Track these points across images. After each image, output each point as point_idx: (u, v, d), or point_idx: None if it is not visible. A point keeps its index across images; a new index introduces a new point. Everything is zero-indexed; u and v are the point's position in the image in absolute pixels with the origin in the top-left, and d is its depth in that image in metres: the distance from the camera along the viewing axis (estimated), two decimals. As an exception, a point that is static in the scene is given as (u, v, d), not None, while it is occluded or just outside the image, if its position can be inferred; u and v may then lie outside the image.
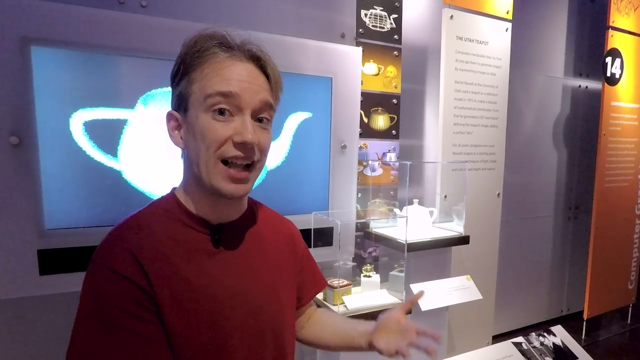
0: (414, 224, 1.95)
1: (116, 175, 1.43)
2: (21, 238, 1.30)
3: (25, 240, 1.30)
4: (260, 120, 0.76)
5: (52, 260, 1.35)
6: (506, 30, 2.39)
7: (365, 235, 2.07)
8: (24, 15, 1.25)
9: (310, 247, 1.73)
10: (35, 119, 1.29)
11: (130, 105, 1.44)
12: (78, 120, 1.36)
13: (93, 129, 1.38)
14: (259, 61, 0.77)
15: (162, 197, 0.82)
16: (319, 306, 1.20)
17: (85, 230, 1.38)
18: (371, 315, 1.58)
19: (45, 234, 1.33)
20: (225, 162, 0.72)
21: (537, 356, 1.50)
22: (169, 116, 0.77)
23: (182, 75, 0.74)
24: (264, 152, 0.77)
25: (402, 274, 1.75)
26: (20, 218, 1.29)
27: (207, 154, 0.72)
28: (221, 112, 0.71)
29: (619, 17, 2.84)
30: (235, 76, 0.72)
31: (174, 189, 0.83)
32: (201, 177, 0.73)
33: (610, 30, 2.81)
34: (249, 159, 0.74)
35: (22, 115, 1.27)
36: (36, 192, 1.30)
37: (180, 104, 0.75)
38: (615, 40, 2.84)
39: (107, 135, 1.41)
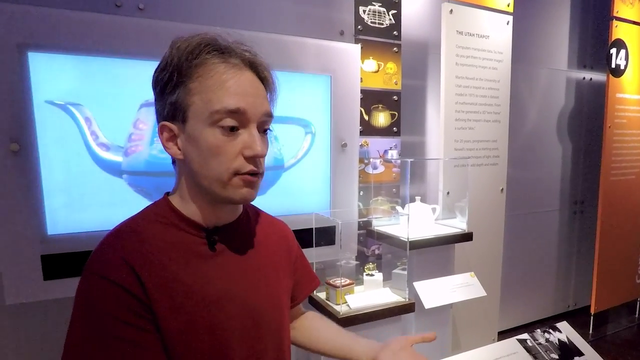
0: (416, 222, 1.94)
1: (117, 178, 1.44)
2: (24, 244, 1.31)
3: (29, 246, 1.32)
4: (263, 130, 0.77)
5: (56, 266, 1.36)
6: (507, 24, 2.36)
7: (367, 234, 2.07)
8: (19, 22, 1.25)
9: (312, 246, 1.73)
10: (35, 125, 1.30)
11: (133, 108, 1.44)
12: (78, 124, 1.37)
13: (92, 131, 1.39)
14: (255, 67, 0.77)
15: (154, 202, 0.81)
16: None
17: (87, 235, 1.39)
18: (374, 315, 1.58)
19: (48, 240, 1.34)
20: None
21: (542, 353, 1.48)
22: (162, 128, 0.75)
23: (177, 84, 0.72)
24: (264, 160, 0.79)
25: (405, 272, 1.75)
26: (22, 224, 1.30)
27: (220, 170, 0.72)
28: (231, 128, 0.72)
29: (623, 7, 2.80)
30: (240, 90, 0.72)
31: (167, 194, 0.83)
32: (212, 189, 0.74)
33: (614, 20, 2.77)
34: (259, 169, 0.75)
35: (22, 122, 1.28)
36: (37, 198, 1.31)
37: (176, 114, 0.73)
38: (619, 31, 2.80)
39: (109, 138, 1.41)
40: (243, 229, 0.86)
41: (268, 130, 0.79)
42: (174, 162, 0.81)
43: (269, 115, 0.77)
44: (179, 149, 0.75)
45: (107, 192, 1.42)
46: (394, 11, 2.10)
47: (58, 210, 1.36)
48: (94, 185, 1.40)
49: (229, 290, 0.78)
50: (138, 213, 0.79)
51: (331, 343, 0.98)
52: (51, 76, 1.32)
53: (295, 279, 0.97)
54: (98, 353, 0.66)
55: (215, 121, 0.71)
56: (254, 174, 0.74)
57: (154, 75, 0.76)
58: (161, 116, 0.76)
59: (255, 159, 0.74)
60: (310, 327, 1.02)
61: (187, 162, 0.75)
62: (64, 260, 1.37)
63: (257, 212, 0.96)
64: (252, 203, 0.96)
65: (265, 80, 0.78)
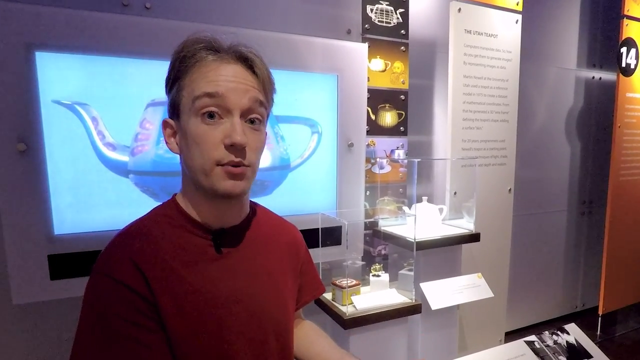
0: (423, 222, 1.93)
1: (123, 178, 1.44)
2: (31, 244, 1.31)
3: (35, 246, 1.32)
4: (252, 121, 0.75)
5: (63, 265, 1.36)
6: (516, 22, 2.34)
7: (374, 234, 2.06)
8: (27, 21, 1.25)
9: (318, 246, 1.73)
10: (42, 124, 1.30)
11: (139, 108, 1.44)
12: (84, 123, 1.37)
13: (99, 131, 1.39)
14: (247, 61, 0.76)
15: (163, 203, 0.82)
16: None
17: (94, 235, 1.39)
18: (381, 316, 1.57)
19: (55, 240, 1.34)
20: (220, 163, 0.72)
21: (550, 355, 1.47)
22: (164, 124, 0.78)
23: (173, 82, 0.75)
24: (256, 152, 0.77)
25: (412, 273, 1.73)
26: (29, 224, 1.30)
27: (202, 160, 0.72)
28: (210, 115, 0.71)
29: (634, 6, 2.76)
30: (222, 77, 0.72)
31: (175, 194, 0.83)
32: (199, 181, 0.74)
33: (625, 19, 2.73)
34: (241, 162, 0.73)
35: (29, 122, 1.28)
36: (44, 198, 1.32)
37: (174, 111, 0.76)
38: (630, 29, 2.76)
39: (116, 137, 1.41)
40: (250, 231, 0.86)
41: (258, 123, 0.77)
42: (180, 161, 0.81)
43: (257, 102, 0.75)
44: (177, 145, 0.77)
45: (113, 191, 1.42)
46: (402, 10, 2.08)
47: (65, 210, 1.36)
48: (100, 185, 1.40)
49: (234, 292, 0.78)
50: (147, 214, 0.80)
51: (318, 357, 0.95)
52: (58, 76, 1.32)
53: (299, 283, 0.97)
54: (105, 352, 0.66)
55: (197, 110, 0.71)
56: (237, 165, 0.73)
57: None
58: (168, 115, 0.79)
59: (236, 149, 0.72)
60: (302, 337, 1.00)
61: (183, 157, 0.77)
62: (70, 260, 1.37)
63: (267, 213, 0.95)
64: (261, 204, 0.96)
65: (257, 75, 0.76)
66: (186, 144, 0.73)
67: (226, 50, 0.75)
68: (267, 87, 0.78)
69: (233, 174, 0.72)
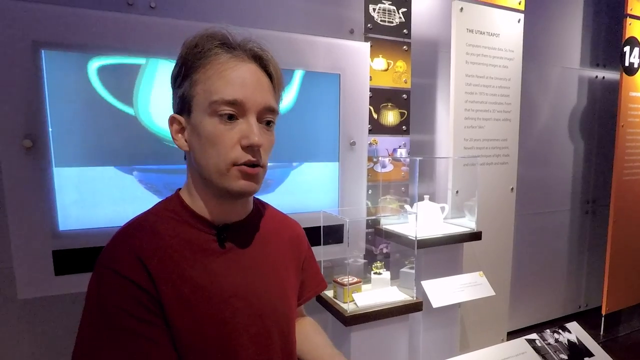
0: (424, 220, 1.94)
1: (127, 175, 1.45)
2: (36, 239, 1.33)
3: (40, 242, 1.33)
4: (266, 122, 0.77)
5: (67, 261, 1.37)
6: (518, 22, 2.34)
7: (376, 232, 2.06)
8: (34, 20, 1.27)
9: (320, 244, 1.74)
10: (48, 122, 1.32)
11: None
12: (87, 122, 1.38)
13: (104, 132, 1.41)
14: (261, 60, 0.77)
15: (166, 198, 0.82)
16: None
17: (98, 231, 1.41)
18: (382, 313, 1.58)
19: (60, 235, 1.36)
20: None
21: (551, 353, 1.47)
22: (171, 120, 0.78)
23: (184, 77, 0.74)
24: (268, 153, 0.78)
25: (413, 271, 1.74)
26: (35, 220, 1.32)
27: (217, 159, 0.72)
28: (229, 116, 0.72)
29: (637, 5, 2.75)
30: (239, 80, 0.72)
31: (179, 189, 0.84)
32: (212, 180, 0.74)
33: (628, 18, 2.72)
34: (257, 161, 0.74)
35: (35, 119, 1.30)
36: (50, 194, 1.33)
37: (184, 106, 0.75)
38: (633, 28, 2.76)
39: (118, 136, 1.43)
40: (254, 227, 0.86)
41: (272, 123, 0.79)
42: (185, 157, 0.82)
43: (271, 109, 0.76)
44: (186, 141, 0.77)
45: (117, 188, 1.44)
46: (404, 9, 2.09)
47: (69, 206, 1.37)
48: (104, 182, 1.42)
49: (237, 286, 0.78)
50: (150, 209, 0.80)
51: (310, 354, 0.96)
52: (64, 73, 1.33)
53: (301, 279, 0.98)
54: (108, 345, 0.67)
55: (214, 111, 0.71)
56: (252, 165, 0.74)
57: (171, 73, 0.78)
58: (174, 110, 0.79)
59: (252, 149, 0.73)
60: (298, 332, 1.00)
61: (192, 154, 0.77)
62: (75, 256, 1.38)
63: (270, 209, 0.96)
64: (265, 200, 0.97)
65: (270, 76, 0.78)
66: (199, 142, 0.73)
67: (241, 47, 0.76)
68: (279, 87, 0.80)
69: (249, 174, 0.74)
